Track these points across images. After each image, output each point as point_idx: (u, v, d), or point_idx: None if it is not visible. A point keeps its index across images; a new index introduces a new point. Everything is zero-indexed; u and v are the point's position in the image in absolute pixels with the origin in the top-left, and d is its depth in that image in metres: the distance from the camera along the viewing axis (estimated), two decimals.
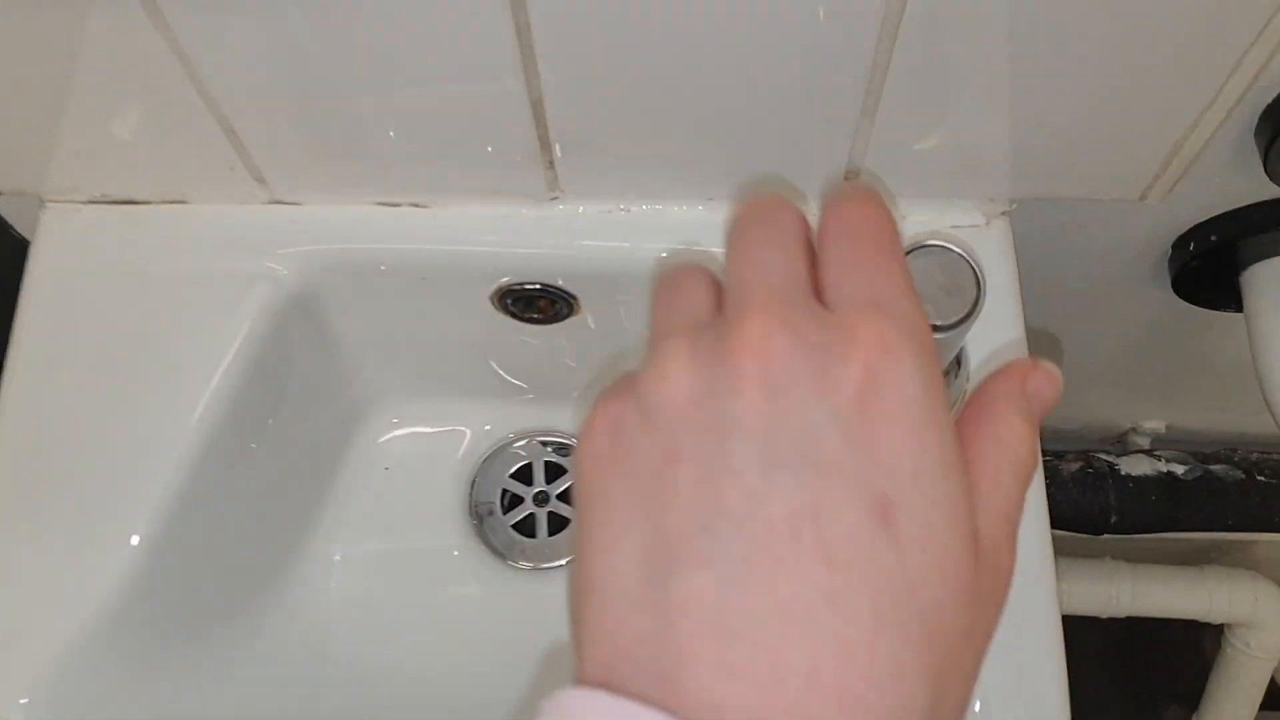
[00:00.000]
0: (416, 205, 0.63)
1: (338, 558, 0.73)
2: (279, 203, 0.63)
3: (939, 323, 0.48)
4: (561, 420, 0.77)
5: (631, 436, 0.28)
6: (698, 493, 0.26)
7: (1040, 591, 0.55)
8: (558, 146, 0.58)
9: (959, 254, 0.49)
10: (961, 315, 0.48)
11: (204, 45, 0.52)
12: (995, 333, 0.59)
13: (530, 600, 0.74)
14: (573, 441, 0.78)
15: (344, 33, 0.50)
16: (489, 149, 0.58)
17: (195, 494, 0.60)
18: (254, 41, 0.51)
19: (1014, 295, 0.60)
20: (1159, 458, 1.03)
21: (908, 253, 0.49)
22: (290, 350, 0.65)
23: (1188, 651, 1.43)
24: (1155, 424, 1.04)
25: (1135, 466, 1.02)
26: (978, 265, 0.49)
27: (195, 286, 0.62)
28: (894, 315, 0.28)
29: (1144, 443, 1.06)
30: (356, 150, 0.59)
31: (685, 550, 0.26)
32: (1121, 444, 1.08)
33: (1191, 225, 0.66)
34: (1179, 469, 1.02)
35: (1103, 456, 1.02)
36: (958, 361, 0.56)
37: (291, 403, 0.67)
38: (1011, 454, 0.30)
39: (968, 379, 0.59)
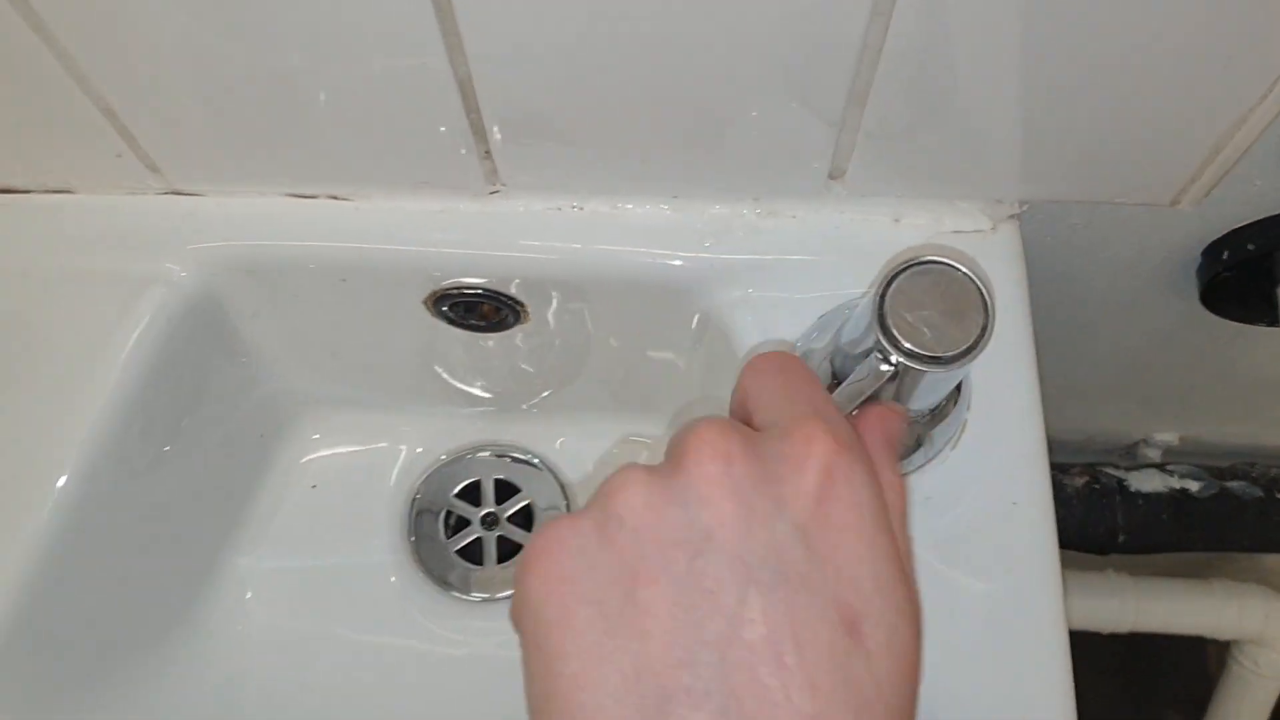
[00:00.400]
0: (335, 198, 0.54)
1: (250, 594, 0.65)
2: (176, 193, 0.55)
3: (941, 354, 0.40)
4: (513, 432, 0.69)
5: (589, 554, 0.27)
6: (674, 618, 0.26)
7: (1047, 616, 0.47)
8: (495, 131, 0.49)
9: (964, 273, 0.41)
10: (967, 345, 0.40)
11: (67, 15, 0.43)
12: (1002, 355, 0.51)
13: (477, 635, 0.66)
14: (528, 457, 0.70)
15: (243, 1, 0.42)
16: (415, 135, 0.50)
17: (81, 525, 0.51)
18: (132, 11, 0.43)
19: (1023, 314, 0.52)
20: (1171, 473, 0.95)
21: (904, 269, 0.41)
22: (191, 362, 0.57)
23: (1190, 664, 1.36)
24: (1168, 436, 0.96)
25: (1146, 482, 0.94)
26: (986, 286, 0.41)
27: (80, 287, 0.54)
28: (835, 424, 0.30)
29: (1155, 455, 0.99)
30: (264, 134, 0.51)
31: (674, 688, 0.25)
32: (1131, 455, 1.00)
33: (1225, 232, 0.58)
34: (1193, 485, 0.94)
35: (1110, 471, 0.94)
36: (957, 390, 0.48)
37: (196, 421, 0.59)
38: (899, 510, 0.31)
39: (968, 408, 0.51)
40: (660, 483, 0.28)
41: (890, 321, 0.41)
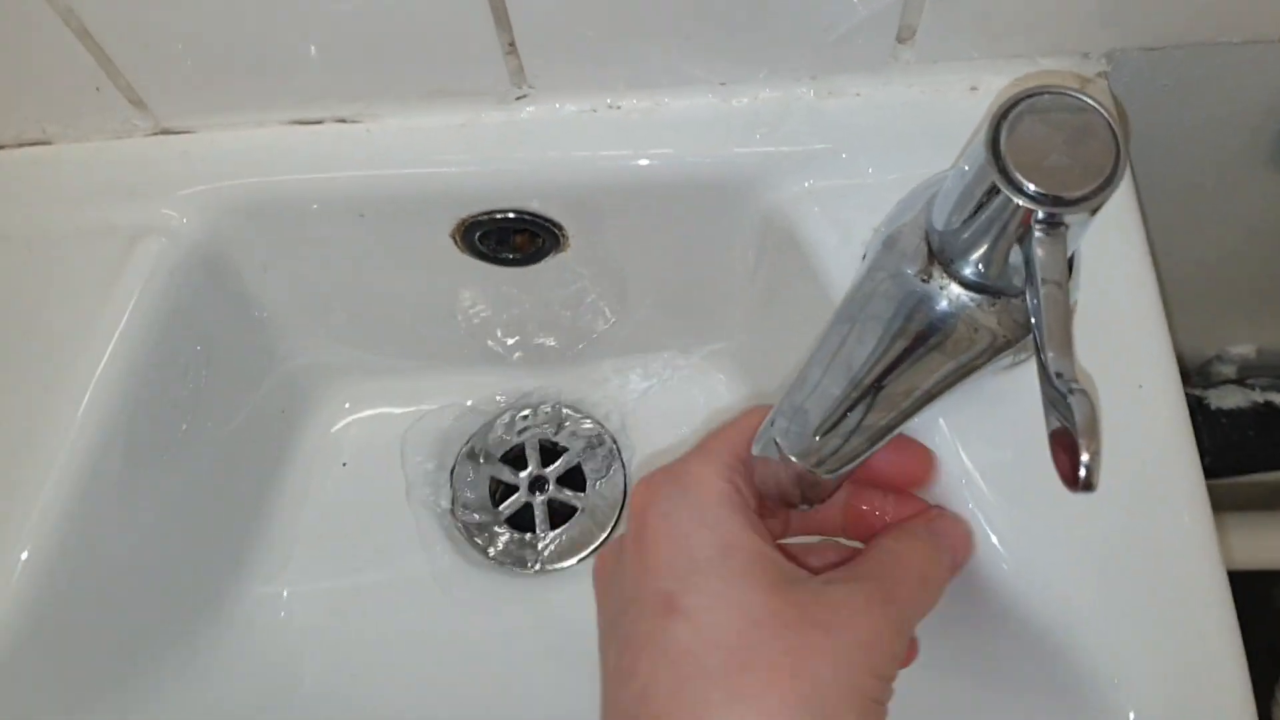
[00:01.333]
0: (343, 121, 0.49)
1: (287, 588, 0.59)
2: (166, 132, 0.49)
3: (1065, 195, 0.34)
4: (556, 385, 0.63)
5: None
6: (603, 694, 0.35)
7: (1189, 502, 0.41)
8: (520, 19, 0.44)
9: (1082, 100, 0.35)
10: (1096, 184, 0.34)
11: None
12: (1108, 227, 0.45)
13: (540, 609, 0.60)
14: (573, 412, 0.64)
15: None
16: (430, 32, 0.44)
17: (88, 515, 0.46)
18: None
19: (1126, 181, 0.46)
20: (1252, 387, 0.89)
21: (1012, 106, 0.35)
22: (200, 325, 0.51)
23: (1260, 608, 1.29)
24: (1244, 349, 0.90)
25: (1225, 399, 0.88)
26: (1110, 115, 0.35)
27: (68, 247, 0.48)
28: (651, 475, 0.37)
29: (1230, 371, 0.92)
30: (259, 50, 0.45)
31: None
32: (1204, 376, 0.94)
33: None
34: (1277, 397, 0.88)
35: (1186, 390, 0.88)
36: (1069, 265, 0.42)
37: (211, 396, 0.53)
38: (933, 539, 0.39)
39: (1078, 289, 0.45)
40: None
41: (1010, 164, 0.35)
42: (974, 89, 0.48)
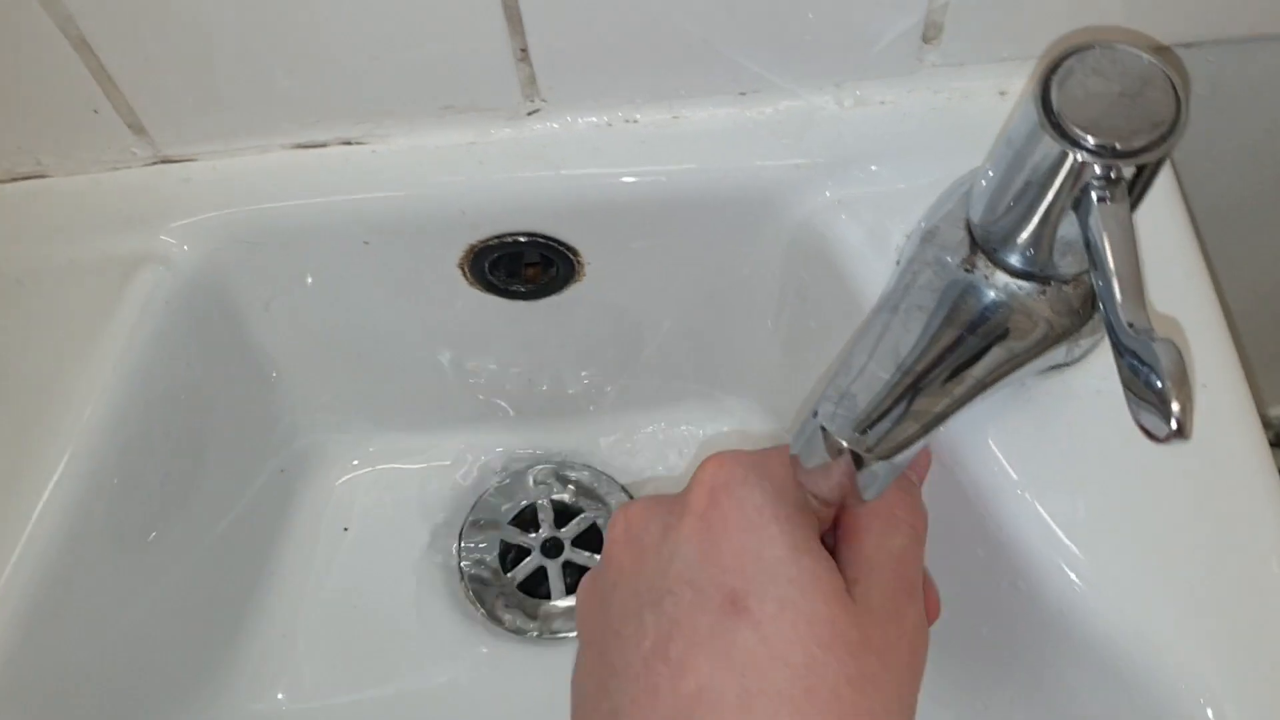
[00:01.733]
0: (348, 143, 0.47)
1: (283, 665, 0.54)
2: (166, 161, 0.47)
3: (1127, 146, 0.32)
4: (571, 439, 0.60)
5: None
6: (597, 665, 0.34)
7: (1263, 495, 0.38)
8: (531, 23, 0.42)
9: (1141, 54, 0.33)
10: (1160, 133, 0.32)
11: None
12: (1157, 231, 0.43)
13: (555, 679, 0.55)
14: (589, 469, 0.60)
15: None
16: (439, 44, 0.43)
17: (65, 586, 0.42)
18: None
19: (1172, 183, 0.44)
20: None
21: (1063, 59, 0.33)
22: (196, 364, 0.48)
23: None
24: None
25: None
26: (1169, 70, 0.33)
27: (62, 280, 0.46)
28: (730, 453, 0.35)
29: (1269, 436, 0.89)
30: (264, 70, 0.44)
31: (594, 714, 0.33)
32: None
33: None
34: None
35: None
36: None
37: (206, 449, 0.50)
38: (892, 518, 0.36)
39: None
40: (599, 565, 0.36)
41: (1064, 118, 0.33)
42: (1003, 94, 0.46)
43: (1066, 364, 0.41)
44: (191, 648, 0.52)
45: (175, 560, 0.49)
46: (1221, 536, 0.37)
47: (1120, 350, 0.31)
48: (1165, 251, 0.42)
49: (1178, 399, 0.29)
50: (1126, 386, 0.31)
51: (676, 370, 0.56)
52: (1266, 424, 0.87)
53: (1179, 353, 0.30)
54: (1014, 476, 0.39)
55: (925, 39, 0.44)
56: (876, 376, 0.36)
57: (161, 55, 0.43)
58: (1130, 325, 0.31)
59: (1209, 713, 0.34)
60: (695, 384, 0.57)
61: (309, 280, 0.49)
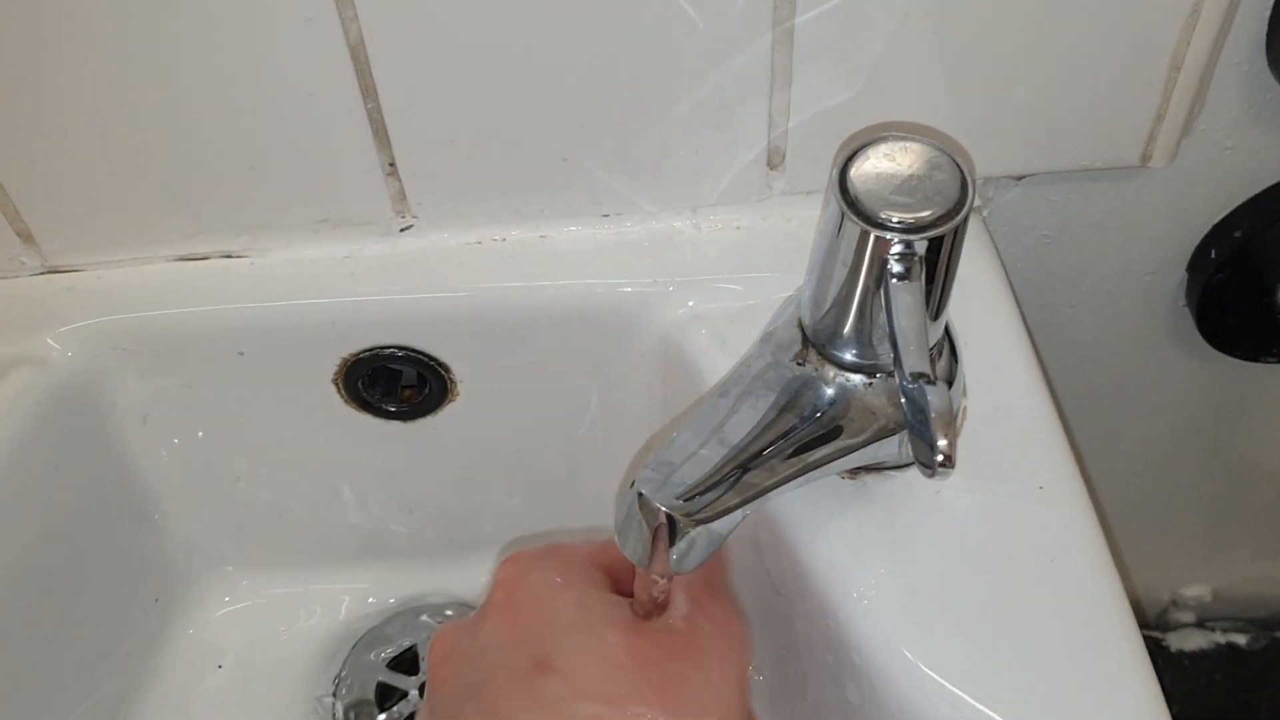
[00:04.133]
0: (229, 256, 0.49)
1: None
2: (54, 271, 0.49)
3: (916, 219, 0.34)
4: (452, 577, 0.59)
5: None
6: None
7: (1102, 589, 0.38)
8: (403, 151, 0.45)
9: (929, 142, 0.36)
10: (947, 209, 0.34)
11: None
12: (990, 335, 0.45)
13: None
14: (468, 608, 0.59)
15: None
16: (315, 164, 0.45)
17: None
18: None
19: (1006, 294, 0.46)
20: (1212, 629, 0.84)
21: (859, 148, 0.36)
22: (67, 477, 0.48)
23: None
24: (1198, 590, 0.86)
25: (1186, 641, 0.84)
26: (953, 150, 0.36)
27: None
28: (521, 550, 0.39)
29: (1189, 617, 0.88)
30: (151, 185, 0.46)
31: None
32: (1162, 623, 0.90)
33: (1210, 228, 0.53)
34: (1240, 639, 0.83)
35: (1144, 633, 0.83)
36: (952, 348, 0.41)
37: (75, 574, 0.50)
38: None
39: (964, 393, 0.44)
40: (426, 693, 0.39)
41: (859, 198, 0.35)
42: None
43: (904, 465, 0.42)
44: None
45: (33, 676, 0.48)
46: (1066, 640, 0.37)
47: (903, 396, 0.33)
48: (998, 346, 0.44)
49: (944, 435, 0.30)
50: (908, 429, 0.32)
51: (559, 494, 0.56)
52: (1184, 606, 0.86)
53: (947, 395, 0.31)
54: (850, 582, 0.39)
55: (771, 165, 0.47)
56: (700, 452, 0.37)
57: (51, 167, 0.45)
58: (910, 375, 0.33)
59: None
60: (579, 507, 0.57)
61: (187, 392, 0.50)
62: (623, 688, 0.34)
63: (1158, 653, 0.82)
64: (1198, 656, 0.82)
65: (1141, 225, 0.53)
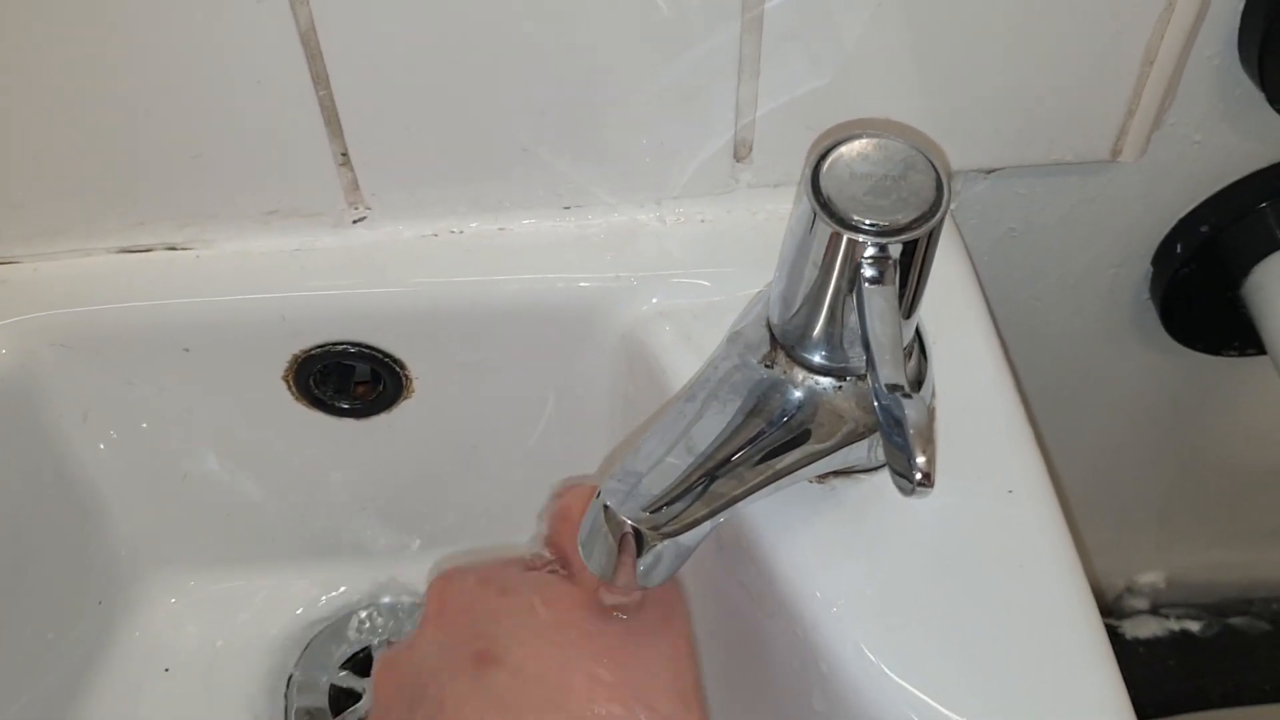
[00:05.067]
0: (173, 248, 0.47)
1: None
2: None
3: (890, 223, 0.33)
4: (407, 576, 0.58)
5: None
6: None
7: (1072, 602, 0.38)
8: (349, 126, 0.43)
9: (905, 142, 0.35)
10: (921, 213, 0.33)
11: None
12: (959, 332, 0.44)
13: None
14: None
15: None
16: (264, 150, 0.43)
17: None
18: None
19: (974, 290, 0.46)
20: (1166, 616, 0.85)
21: (832, 148, 0.35)
22: (2, 481, 0.46)
23: None
24: (1153, 577, 0.87)
25: (1140, 628, 0.85)
26: (929, 150, 0.35)
27: None
28: (451, 565, 0.41)
29: (1143, 604, 0.89)
30: (92, 172, 0.44)
31: None
32: (1118, 610, 0.90)
33: (1175, 223, 0.53)
34: (1193, 625, 0.84)
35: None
36: (922, 347, 0.40)
37: (14, 577, 0.47)
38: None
39: (932, 395, 0.43)
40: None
41: (832, 200, 0.34)
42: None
43: (873, 469, 0.41)
44: None
45: None
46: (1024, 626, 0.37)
47: (879, 409, 0.32)
48: (969, 355, 0.43)
49: (923, 452, 0.29)
50: (884, 443, 0.31)
51: (516, 492, 0.55)
52: (1139, 593, 0.87)
53: (926, 410, 0.30)
54: (819, 590, 0.38)
55: (737, 157, 0.46)
56: (667, 460, 0.36)
57: None
58: (887, 386, 0.32)
59: None
60: (538, 504, 0.56)
61: (129, 389, 0.48)
62: (571, 671, 0.34)
63: (1113, 639, 0.82)
64: (1152, 643, 0.82)
65: (1108, 219, 0.52)
